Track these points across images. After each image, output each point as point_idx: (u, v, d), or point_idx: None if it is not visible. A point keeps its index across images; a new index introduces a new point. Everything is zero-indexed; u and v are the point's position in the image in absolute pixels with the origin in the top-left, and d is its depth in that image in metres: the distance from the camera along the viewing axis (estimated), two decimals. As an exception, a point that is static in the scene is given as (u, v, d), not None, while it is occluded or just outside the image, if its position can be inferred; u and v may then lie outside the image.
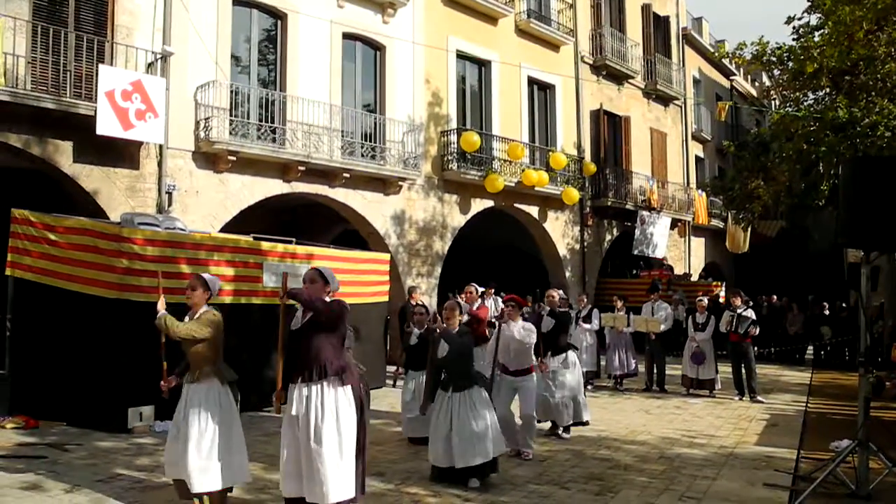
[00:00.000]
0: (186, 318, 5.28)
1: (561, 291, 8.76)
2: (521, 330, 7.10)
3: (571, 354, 8.35)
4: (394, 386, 10.98)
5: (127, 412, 7.73)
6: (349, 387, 4.76)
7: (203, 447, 4.96)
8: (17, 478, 5.83)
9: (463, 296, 9.81)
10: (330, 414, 4.64)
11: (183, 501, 5.11)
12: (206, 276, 5.54)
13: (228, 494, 5.26)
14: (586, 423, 8.33)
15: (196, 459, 4.92)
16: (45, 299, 8.27)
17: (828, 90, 13.90)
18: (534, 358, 7.45)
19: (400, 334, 9.20)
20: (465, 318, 7.66)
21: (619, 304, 12.90)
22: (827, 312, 18.28)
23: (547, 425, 8.31)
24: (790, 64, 13.28)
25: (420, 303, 10.16)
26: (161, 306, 5.23)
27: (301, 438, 4.65)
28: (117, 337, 7.88)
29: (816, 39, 12.83)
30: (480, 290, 8.27)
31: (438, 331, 6.47)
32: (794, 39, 13.39)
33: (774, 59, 13.47)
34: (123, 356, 7.82)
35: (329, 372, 4.67)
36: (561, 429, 8.22)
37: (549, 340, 8.07)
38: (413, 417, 7.53)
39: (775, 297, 20.08)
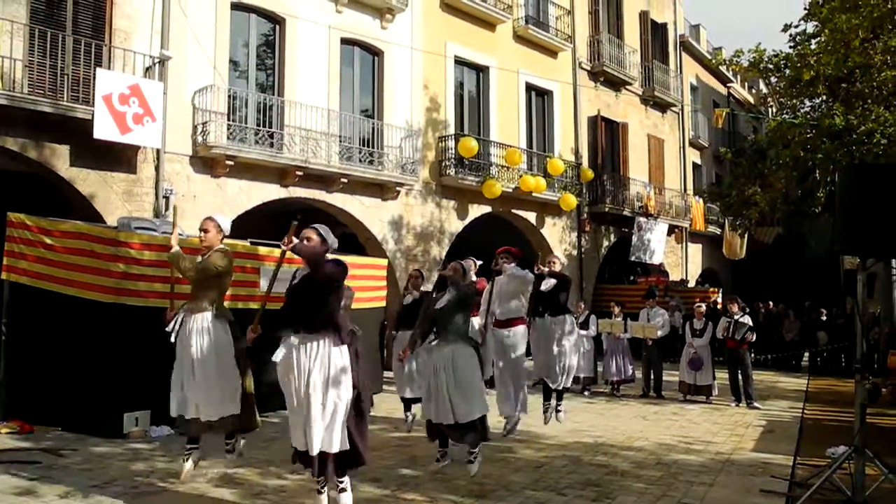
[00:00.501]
0: (198, 259, 5.50)
1: (563, 257, 8.89)
2: (516, 269, 7.12)
3: (570, 318, 8.30)
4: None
5: (122, 417, 7.70)
6: (344, 347, 4.77)
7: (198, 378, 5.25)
8: (12, 483, 5.79)
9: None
10: (321, 368, 4.66)
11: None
12: (217, 216, 5.72)
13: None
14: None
15: (196, 392, 5.24)
16: (40, 303, 8.23)
17: (824, 98, 13.95)
18: (524, 311, 7.51)
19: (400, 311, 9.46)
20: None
21: (617, 310, 12.91)
22: (824, 318, 18.32)
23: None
24: (787, 71, 13.33)
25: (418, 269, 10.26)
26: (174, 241, 5.59)
27: (300, 389, 4.70)
28: (113, 342, 7.85)
29: (813, 47, 12.88)
30: (479, 262, 8.50)
31: (445, 273, 6.40)
32: (790, 47, 13.45)
33: (771, 66, 13.52)
34: (119, 361, 7.79)
35: (322, 328, 4.70)
36: (555, 403, 8.27)
37: (550, 300, 8.08)
38: (402, 375, 7.90)
39: (772, 303, 20.10)
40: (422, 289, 8.59)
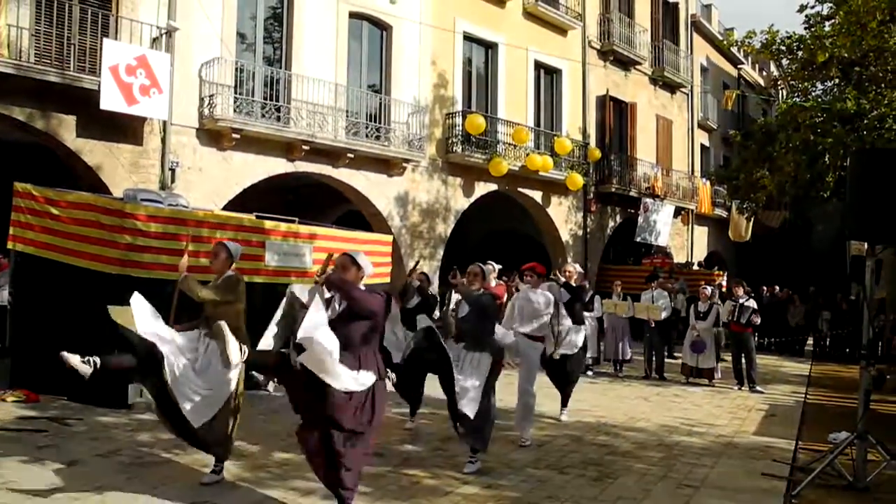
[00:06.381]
0: (210, 283, 5.41)
1: (578, 266, 8.87)
2: (540, 297, 7.14)
3: (583, 331, 8.49)
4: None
5: (127, 388, 7.74)
6: (381, 382, 4.67)
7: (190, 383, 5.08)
8: (19, 451, 5.85)
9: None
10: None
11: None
12: (229, 243, 5.65)
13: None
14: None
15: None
16: (46, 273, 8.25)
17: (837, 81, 13.79)
18: (547, 328, 7.52)
19: (400, 313, 9.11)
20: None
21: (619, 288, 12.92)
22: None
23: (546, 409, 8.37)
24: (800, 53, 13.17)
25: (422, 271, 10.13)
26: (183, 268, 5.34)
27: None
28: (119, 313, 7.87)
29: (827, 29, 12.71)
30: (498, 266, 8.22)
31: (458, 288, 6.28)
32: (805, 28, 13.27)
33: (784, 48, 13.36)
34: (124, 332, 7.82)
35: (364, 364, 4.56)
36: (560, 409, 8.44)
37: (567, 311, 8.16)
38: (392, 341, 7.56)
39: (777, 287, 20.06)
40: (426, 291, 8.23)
